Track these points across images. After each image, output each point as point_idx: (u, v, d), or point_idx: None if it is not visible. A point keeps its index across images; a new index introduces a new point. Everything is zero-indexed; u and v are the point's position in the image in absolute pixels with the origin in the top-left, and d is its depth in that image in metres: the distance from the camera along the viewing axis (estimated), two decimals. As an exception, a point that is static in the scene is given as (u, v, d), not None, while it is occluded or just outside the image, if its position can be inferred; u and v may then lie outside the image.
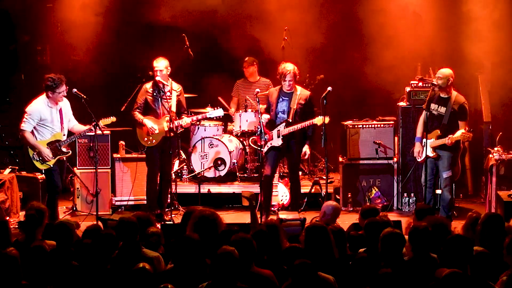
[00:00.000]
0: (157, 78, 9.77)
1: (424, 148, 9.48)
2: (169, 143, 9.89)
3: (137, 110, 9.89)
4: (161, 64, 9.81)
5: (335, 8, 12.06)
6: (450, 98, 9.43)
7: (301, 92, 9.80)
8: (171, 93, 9.89)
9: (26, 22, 12.19)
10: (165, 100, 9.81)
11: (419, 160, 9.69)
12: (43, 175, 9.70)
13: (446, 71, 9.47)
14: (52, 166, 9.34)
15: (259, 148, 9.85)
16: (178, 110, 9.95)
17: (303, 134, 9.85)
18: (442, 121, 9.43)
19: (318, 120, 9.61)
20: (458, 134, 9.31)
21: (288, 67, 9.70)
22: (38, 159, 9.29)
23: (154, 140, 9.88)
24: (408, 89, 10.65)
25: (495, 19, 11.12)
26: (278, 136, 9.74)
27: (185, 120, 9.90)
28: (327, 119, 9.56)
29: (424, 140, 9.48)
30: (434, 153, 9.45)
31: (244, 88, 11.50)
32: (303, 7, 11.85)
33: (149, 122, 9.83)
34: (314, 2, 12.01)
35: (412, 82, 10.68)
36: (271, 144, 9.75)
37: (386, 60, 11.14)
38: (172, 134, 9.83)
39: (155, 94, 9.84)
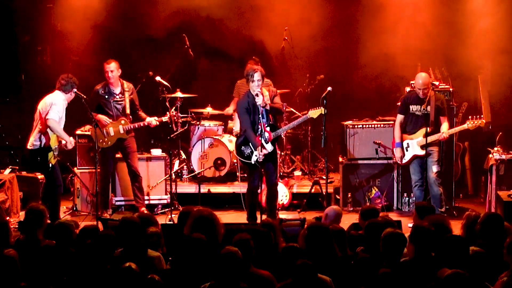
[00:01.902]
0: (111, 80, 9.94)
1: (409, 149, 9.75)
2: (127, 142, 10.15)
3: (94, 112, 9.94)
4: (111, 65, 10.00)
5: (336, 9, 12.05)
6: (430, 96, 9.66)
7: (270, 91, 9.42)
8: (123, 95, 10.10)
9: (26, 22, 12.19)
10: (117, 102, 10.05)
11: (401, 163, 9.94)
12: (43, 174, 9.68)
13: (425, 79, 9.68)
14: (55, 162, 9.47)
15: (246, 161, 9.32)
16: (132, 109, 10.13)
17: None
18: (430, 118, 9.61)
19: (314, 113, 9.23)
20: (445, 126, 9.59)
21: (255, 67, 9.47)
22: (57, 153, 9.41)
23: (109, 142, 10.11)
24: (408, 89, 10.65)
25: (496, 19, 11.11)
26: (267, 142, 9.18)
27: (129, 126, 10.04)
28: (323, 110, 9.12)
29: (407, 141, 9.79)
30: (424, 151, 9.53)
31: (245, 88, 11.44)
32: (304, 7, 11.84)
33: (103, 116, 9.99)
34: (315, 2, 12.00)
35: (412, 82, 10.66)
36: (262, 152, 9.06)
37: (386, 60, 11.14)
38: (128, 135, 10.10)
39: (107, 97, 10.05)
